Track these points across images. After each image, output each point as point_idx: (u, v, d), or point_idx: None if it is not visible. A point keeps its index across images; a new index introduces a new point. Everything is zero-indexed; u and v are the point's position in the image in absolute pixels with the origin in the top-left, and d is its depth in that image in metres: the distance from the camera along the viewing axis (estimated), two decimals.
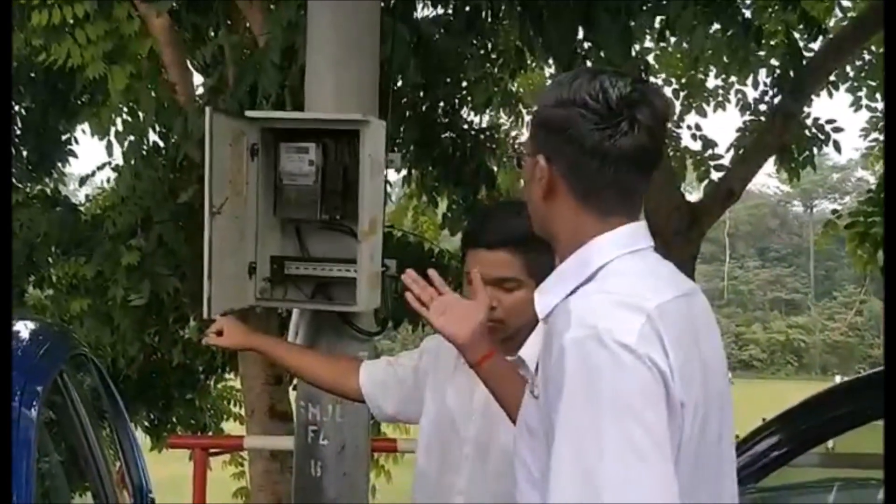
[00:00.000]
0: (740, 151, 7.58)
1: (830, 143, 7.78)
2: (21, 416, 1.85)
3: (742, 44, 5.56)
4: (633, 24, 4.92)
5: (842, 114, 8.43)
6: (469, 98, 7.19)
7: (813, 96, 7.80)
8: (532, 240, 2.03)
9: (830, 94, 8.29)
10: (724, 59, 7.99)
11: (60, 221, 6.63)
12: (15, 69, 6.85)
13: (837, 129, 7.67)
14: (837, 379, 34.34)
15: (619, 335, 1.30)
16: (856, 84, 8.61)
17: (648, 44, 8.07)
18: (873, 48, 8.17)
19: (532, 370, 1.51)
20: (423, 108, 6.43)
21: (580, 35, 5.12)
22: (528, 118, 9.39)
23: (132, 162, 6.60)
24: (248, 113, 3.02)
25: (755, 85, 8.32)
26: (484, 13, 5.86)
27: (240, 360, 6.79)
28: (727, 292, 48.33)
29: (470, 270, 2.00)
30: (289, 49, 4.61)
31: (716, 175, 7.39)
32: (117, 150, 6.75)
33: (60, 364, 2.43)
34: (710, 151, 7.61)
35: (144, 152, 6.64)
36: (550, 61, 7.27)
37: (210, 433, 8.40)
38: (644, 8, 5.09)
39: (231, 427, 8.93)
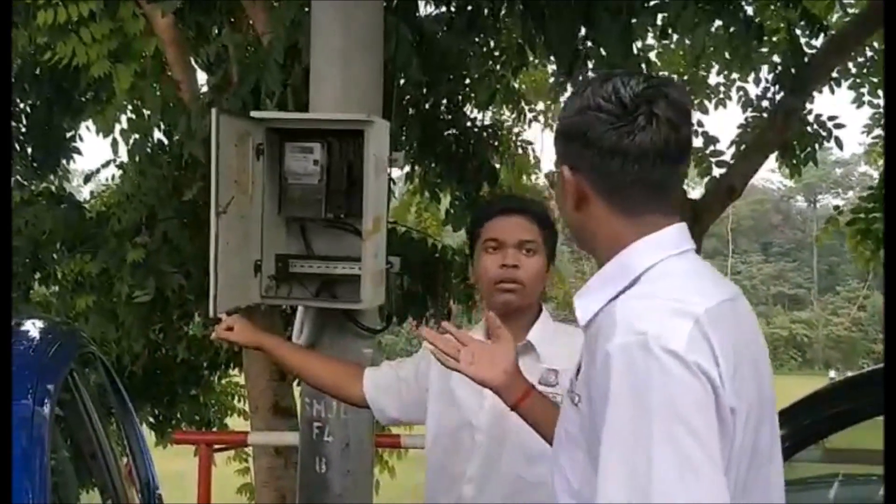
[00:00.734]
0: (742, 148, 7.58)
1: (832, 140, 7.79)
2: (34, 413, 1.88)
3: (744, 41, 5.57)
4: (634, 21, 4.94)
5: (844, 109, 8.45)
6: (472, 95, 7.20)
7: (815, 93, 7.81)
8: (546, 216, 2.14)
9: (832, 91, 8.30)
10: (726, 56, 8.00)
11: (65, 219, 6.64)
12: (20, 67, 6.88)
13: (839, 126, 7.67)
14: (832, 374, 34.28)
15: (666, 342, 1.27)
16: (858, 80, 8.60)
17: (650, 41, 8.09)
18: (875, 45, 8.16)
19: (570, 377, 1.49)
20: (426, 105, 6.44)
21: (581, 33, 5.14)
22: (529, 115, 9.42)
23: (137, 159, 6.62)
24: (254, 113, 3.05)
25: (757, 82, 8.34)
26: (486, 11, 5.88)
27: (244, 356, 6.81)
28: None
29: (486, 318, 1.99)
30: (292, 48, 4.63)
31: (717, 171, 7.40)
32: (122, 148, 6.77)
33: (70, 362, 2.46)
34: (711, 148, 7.61)
35: (149, 150, 6.66)
36: (552, 59, 7.27)
37: (214, 429, 8.43)
38: (645, 6, 5.11)
39: (235, 422, 8.95)
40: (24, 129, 7.54)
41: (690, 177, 9.32)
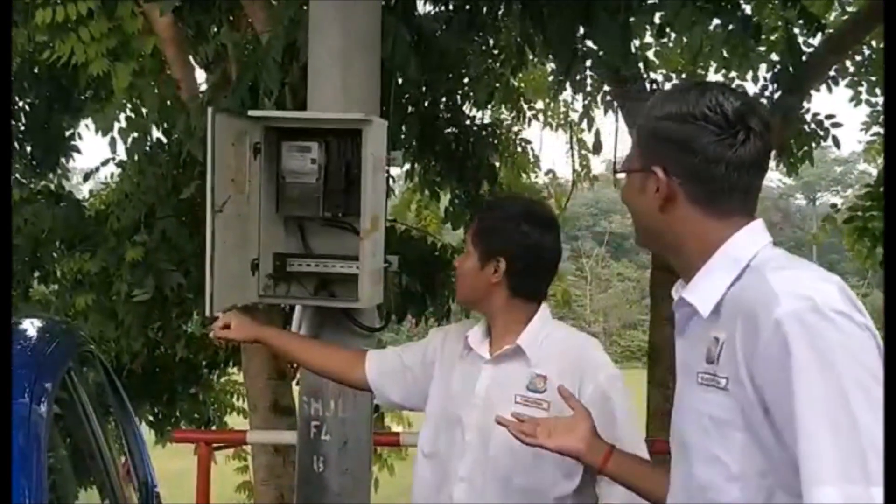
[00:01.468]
0: None
1: (829, 139, 7.79)
2: (32, 412, 1.89)
3: (741, 40, 5.57)
4: (632, 20, 4.93)
5: (842, 108, 8.45)
6: (470, 94, 7.20)
7: (812, 91, 7.81)
8: (482, 216, 2.32)
9: (830, 89, 8.29)
10: (724, 54, 7.98)
11: (65, 217, 6.64)
12: (19, 66, 6.89)
13: (836, 125, 7.67)
14: None
15: (833, 304, 1.37)
16: (856, 79, 8.61)
17: (648, 39, 8.09)
18: (873, 43, 8.17)
19: (707, 362, 1.49)
20: (425, 104, 6.45)
21: (580, 32, 5.14)
22: (528, 114, 9.39)
23: (136, 158, 6.62)
24: (251, 112, 3.05)
25: (755, 80, 8.32)
26: (484, 10, 5.88)
27: (243, 354, 6.82)
28: None
29: (559, 390, 2.01)
30: (290, 46, 4.63)
31: None
32: (120, 147, 6.78)
33: (68, 361, 2.46)
34: None
35: (148, 148, 6.66)
36: (551, 57, 7.28)
37: (214, 427, 8.43)
38: (643, 5, 5.11)
39: (235, 421, 8.95)
40: (23, 128, 7.56)
41: None
